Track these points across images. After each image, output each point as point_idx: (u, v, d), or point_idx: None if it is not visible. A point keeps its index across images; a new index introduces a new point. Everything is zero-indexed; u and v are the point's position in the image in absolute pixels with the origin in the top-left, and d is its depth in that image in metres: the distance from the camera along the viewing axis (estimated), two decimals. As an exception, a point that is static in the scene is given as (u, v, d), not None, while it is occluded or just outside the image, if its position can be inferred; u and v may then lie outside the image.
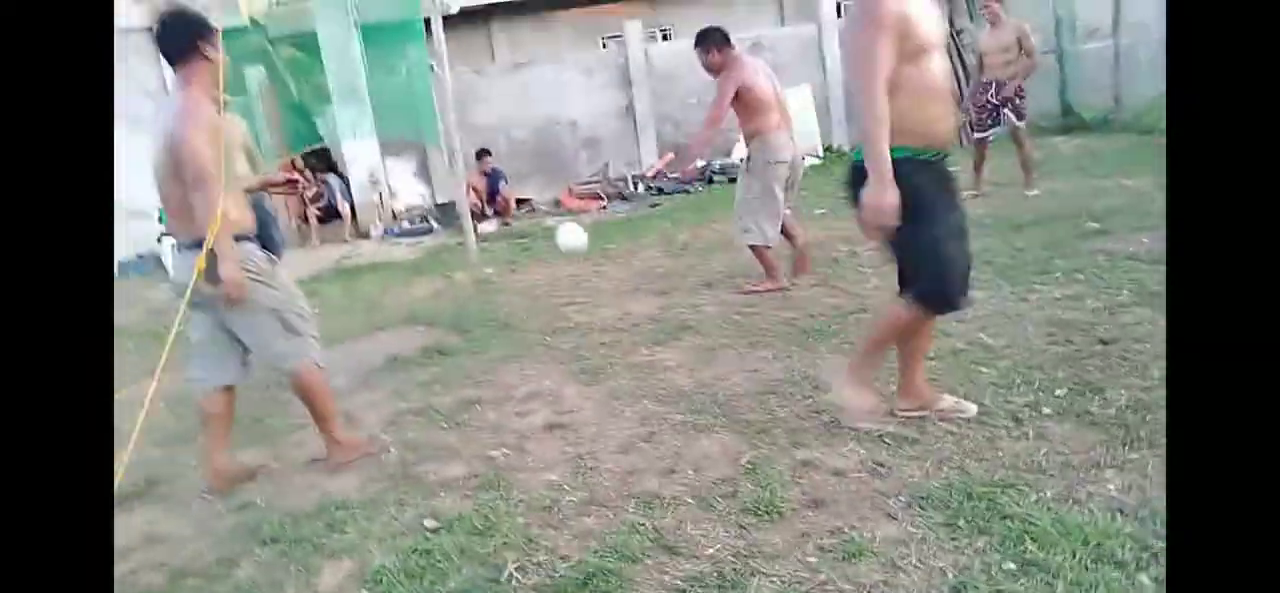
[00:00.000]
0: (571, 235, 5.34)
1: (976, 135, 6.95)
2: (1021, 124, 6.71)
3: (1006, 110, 6.69)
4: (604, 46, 13.67)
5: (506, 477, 2.79)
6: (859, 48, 2.43)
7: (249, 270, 2.80)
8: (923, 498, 2.31)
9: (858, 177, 2.51)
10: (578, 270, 6.25)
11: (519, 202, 10.80)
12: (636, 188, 10.96)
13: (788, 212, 4.95)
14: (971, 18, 11.95)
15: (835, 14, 12.13)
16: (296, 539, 2.52)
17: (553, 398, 3.49)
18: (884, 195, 2.40)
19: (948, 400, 2.81)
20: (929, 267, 2.58)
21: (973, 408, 2.77)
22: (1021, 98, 6.70)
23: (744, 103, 4.66)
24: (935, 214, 2.52)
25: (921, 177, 2.48)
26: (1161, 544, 1.96)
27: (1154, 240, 4.56)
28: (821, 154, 11.51)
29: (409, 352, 4.33)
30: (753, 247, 4.85)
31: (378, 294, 6.26)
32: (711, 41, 4.76)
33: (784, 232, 4.89)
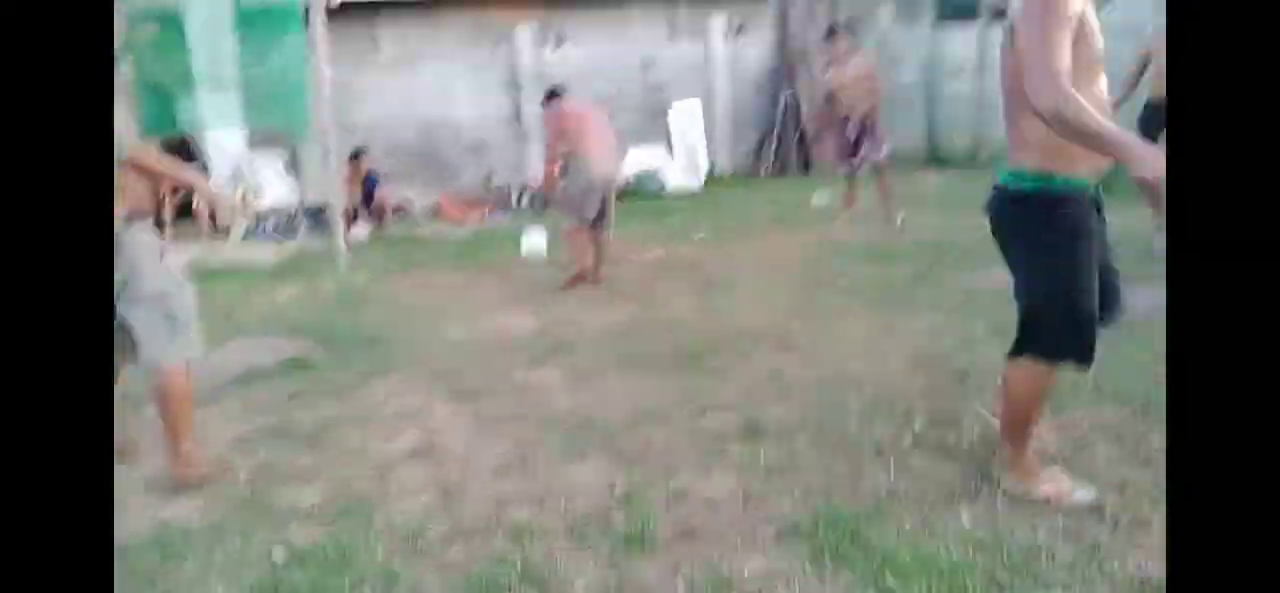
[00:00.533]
0: (533, 240, 6.35)
1: (843, 169, 7.24)
2: (882, 157, 6.99)
3: (866, 144, 6.96)
4: (494, 48, 13.43)
5: (367, 504, 2.63)
6: (1035, 35, 1.99)
7: (137, 254, 2.64)
8: (791, 529, 2.34)
9: (1008, 204, 2.28)
10: (455, 283, 6.07)
11: (396, 207, 10.41)
12: (521, 200, 10.80)
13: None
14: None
15: (725, 35, 12.39)
16: (126, 572, 2.28)
17: (421, 419, 3.35)
18: (1143, 151, 1.87)
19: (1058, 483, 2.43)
20: (1065, 315, 2.21)
21: (1089, 493, 2.38)
22: (881, 135, 6.99)
23: (563, 139, 5.67)
24: (1077, 257, 2.18)
25: (1068, 210, 2.17)
26: (1010, 578, 2.06)
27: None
28: (704, 177, 11.70)
29: (267, 364, 4.06)
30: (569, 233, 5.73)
31: (235, 300, 5.85)
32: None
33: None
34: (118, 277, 2.61)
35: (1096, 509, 2.31)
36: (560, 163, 5.78)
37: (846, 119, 6.99)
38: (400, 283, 6.17)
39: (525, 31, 11.60)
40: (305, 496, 2.72)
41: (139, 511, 2.67)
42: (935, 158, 10.86)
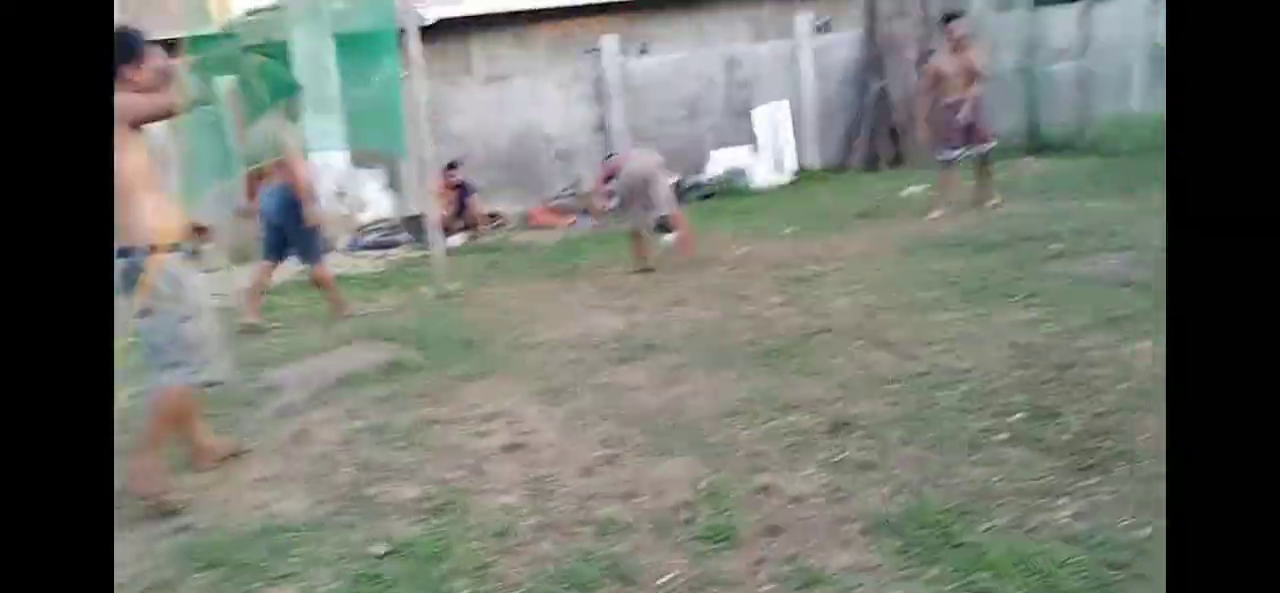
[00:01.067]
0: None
1: (944, 155, 7.01)
2: (988, 147, 6.80)
3: (973, 133, 6.78)
4: (580, 60, 13.66)
5: (462, 500, 2.73)
6: None
7: (160, 284, 2.80)
8: (880, 525, 2.30)
9: None
10: (546, 288, 6.20)
11: (489, 215, 10.72)
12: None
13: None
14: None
15: (812, 31, 12.21)
16: (238, 564, 2.45)
17: (513, 418, 3.44)
18: None
19: None
20: None
21: None
22: (987, 124, 6.80)
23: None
24: None
25: None
26: (1113, 575, 1.96)
27: (1121, 263, 4.62)
28: (796, 172, 11.57)
29: (368, 367, 4.25)
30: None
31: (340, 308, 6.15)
32: None
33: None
34: (145, 301, 2.78)
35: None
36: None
37: (953, 106, 6.81)
38: (493, 289, 6.35)
39: (610, 42, 11.75)
40: (404, 491, 2.84)
41: (249, 508, 2.85)
42: (1035, 144, 10.37)
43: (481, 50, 14.23)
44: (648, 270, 6.24)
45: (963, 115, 6.78)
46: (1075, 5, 10.53)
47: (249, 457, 3.28)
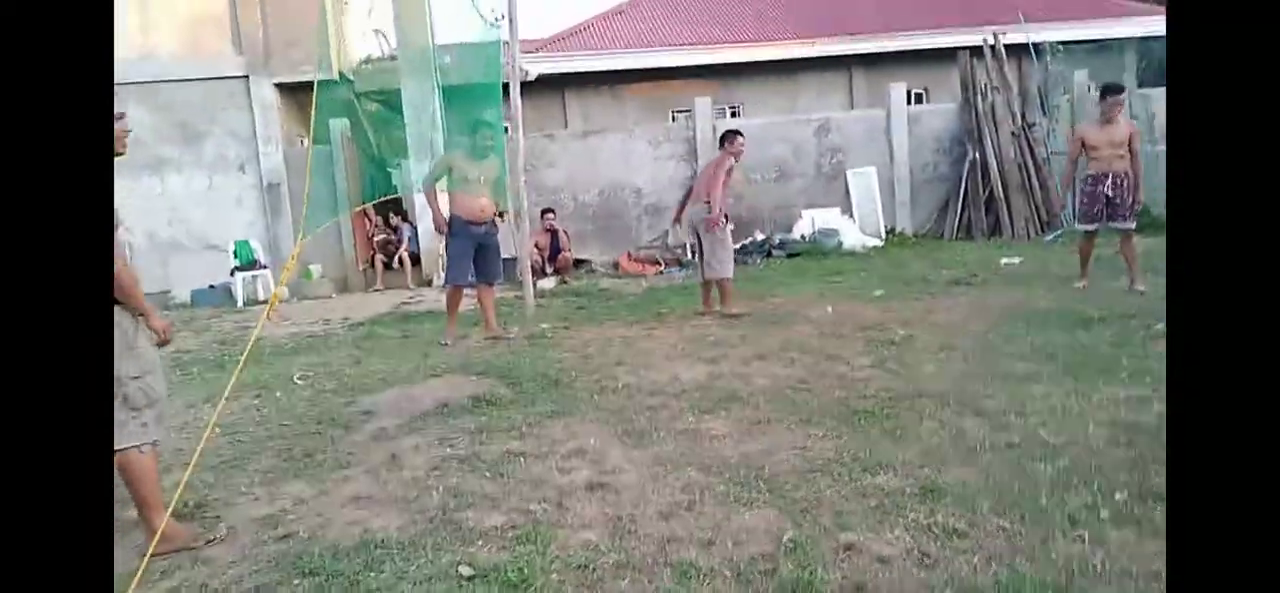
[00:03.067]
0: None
1: (1086, 227, 6.84)
2: (1133, 225, 6.61)
3: (1120, 209, 6.60)
4: (672, 120, 13.96)
5: (545, 531, 2.78)
6: None
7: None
8: (969, 593, 2.23)
9: None
10: (630, 333, 6.28)
11: (578, 261, 10.96)
12: (694, 256, 11.01)
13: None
14: (1044, 112, 11.86)
15: (905, 101, 12.15)
16: (334, 573, 2.55)
17: (596, 457, 3.49)
18: None
19: None
20: None
21: None
22: (1138, 201, 6.62)
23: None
24: None
25: None
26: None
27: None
28: (883, 236, 11.43)
29: (459, 399, 4.39)
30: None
31: (434, 341, 6.38)
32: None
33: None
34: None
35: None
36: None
37: (1099, 178, 6.67)
38: (581, 331, 6.47)
39: (703, 103, 11.98)
40: (490, 519, 2.91)
41: (347, 523, 2.97)
42: (1143, 222, 9.94)
43: (577, 107, 14.71)
44: (711, 315, 6.60)
45: (1104, 188, 6.61)
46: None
47: (349, 473, 3.42)
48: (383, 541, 2.78)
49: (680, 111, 13.59)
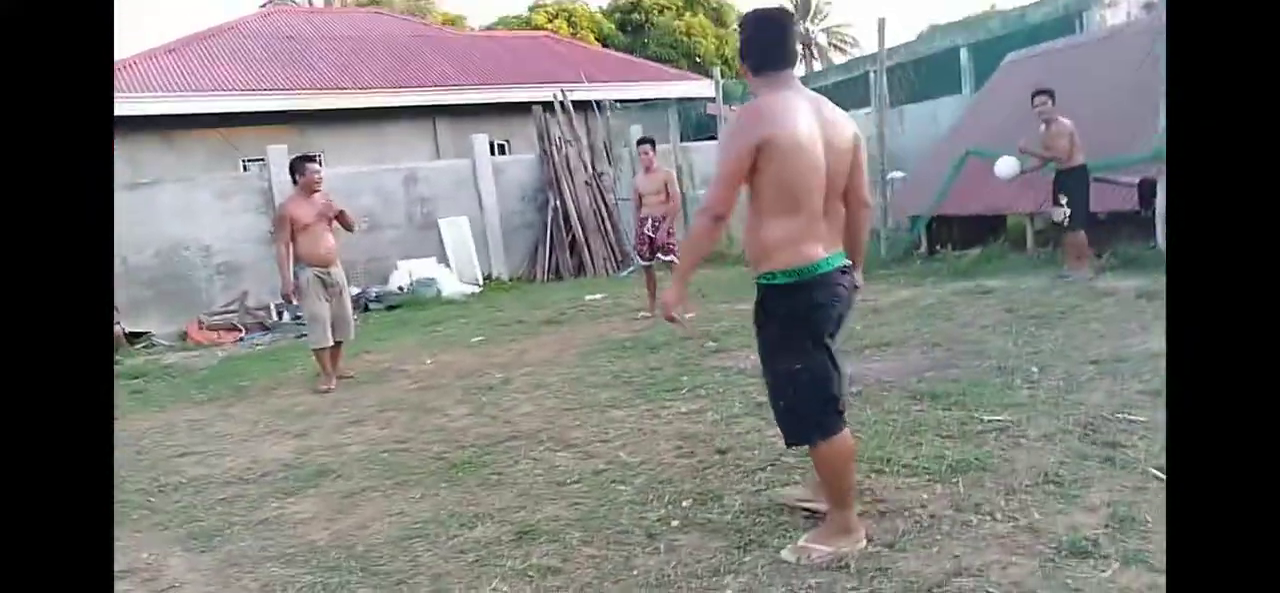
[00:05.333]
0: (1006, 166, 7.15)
1: (644, 263, 7.67)
2: (671, 258, 7.48)
3: (659, 245, 7.47)
4: (244, 169, 12.70)
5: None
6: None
7: None
8: (563, 629, 2.29)
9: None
10: (201, 415, 5.49)
11: (133, 336, 9.32)
12: (280, 316, 10.10)
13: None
14: (609, 162, 13.19)
15: (489, 151, 12.62)
16: None
17: (150, 574, 2.93)
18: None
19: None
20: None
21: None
22: (672, 236, 7.54)
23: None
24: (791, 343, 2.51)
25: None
26: (768, 640, 2.14)
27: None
28: (482, 283, 11.68)
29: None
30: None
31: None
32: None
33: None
34: None
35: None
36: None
37: (643, 221, 7.53)
38: (133, 421, 5.46)
39: (278, 151, 11.09)
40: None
41: None
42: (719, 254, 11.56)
43: (124, 154, 12.63)
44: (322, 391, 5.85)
45: (648, 228, 7.48)
46: (712, 144, 12.11)
47: None
48: None
49: (253, 160, 12.44)
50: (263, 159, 11.17)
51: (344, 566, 2.85)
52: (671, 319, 2.66)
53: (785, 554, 2.54)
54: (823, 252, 2.43)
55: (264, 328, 9.85)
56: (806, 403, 2.48)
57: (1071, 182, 6.84)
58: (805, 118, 2.38)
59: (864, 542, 2.54)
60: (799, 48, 2.47)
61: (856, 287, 2.65)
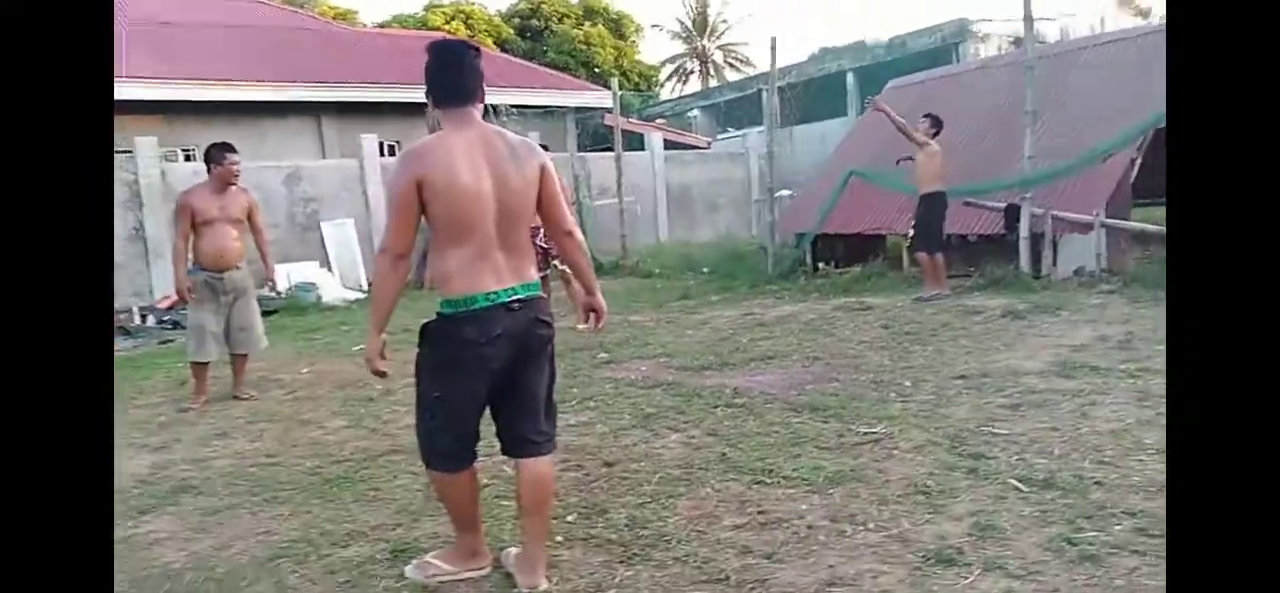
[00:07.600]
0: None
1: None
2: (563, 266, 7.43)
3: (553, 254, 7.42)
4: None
5: None
6: None
7: None
8: (438, 652, 2.21)
9: None
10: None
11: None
12: (144, 321, 9.45)
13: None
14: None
15: (378, 153, 12.22)
16: None
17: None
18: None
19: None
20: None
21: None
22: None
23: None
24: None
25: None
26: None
27: (650, 368, 5.28)
28: (365, 289, 11.27)
29: None
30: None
31: None
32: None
33: None
34: None
35: None
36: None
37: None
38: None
39: (147, 144, 10.40)
40: None
41: None
42: (615, 264, 11.58)
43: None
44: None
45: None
46: (609, 154, 12.22)
47: None
48: None
49: (120, 152, 11.61)
50: (130, 150, 10.41)
51: (201, 589, 2.67)
52: (378, 372, 2.66)
53: (409, 571, 2.62)
54: (494, 284, 2.40)
55: (125, 332, 9.17)
56: (437, 432, 2.52)
57: (926, 205, 7.26)
58: (464, 156, 2.35)
59: (488, 568, 2.62)
60: (480, 84, 2.48)
61: (598, 310, 2.83)
